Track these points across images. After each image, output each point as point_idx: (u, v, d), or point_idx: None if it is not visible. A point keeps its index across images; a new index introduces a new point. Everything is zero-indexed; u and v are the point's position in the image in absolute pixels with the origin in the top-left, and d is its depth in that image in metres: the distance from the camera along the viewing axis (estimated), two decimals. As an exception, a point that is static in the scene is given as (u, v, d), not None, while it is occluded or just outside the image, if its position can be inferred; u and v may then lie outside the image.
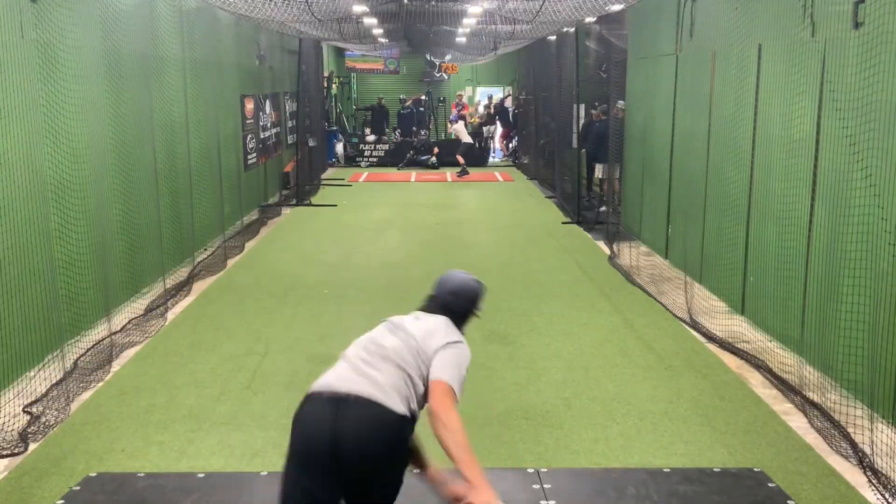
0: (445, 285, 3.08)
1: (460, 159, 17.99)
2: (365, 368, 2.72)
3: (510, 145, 21.72)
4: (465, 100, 22.92)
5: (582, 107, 13.22)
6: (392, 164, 19.84)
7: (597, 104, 13.04)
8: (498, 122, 21.87)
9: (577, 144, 13.30)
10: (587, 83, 13.39)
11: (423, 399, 2.74)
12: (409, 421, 2.67)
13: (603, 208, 11.40)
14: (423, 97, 21.90)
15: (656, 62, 9.51)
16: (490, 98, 23.15)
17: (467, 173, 17.76)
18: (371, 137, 20.63)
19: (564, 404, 5.16)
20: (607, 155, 11.13)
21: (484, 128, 21.59)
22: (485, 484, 2.52)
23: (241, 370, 5.78)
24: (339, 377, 2.72)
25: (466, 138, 19.14)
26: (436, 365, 2.74)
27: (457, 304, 3.03)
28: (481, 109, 22.90)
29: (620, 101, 10.94)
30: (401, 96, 22.17)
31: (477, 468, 2.54)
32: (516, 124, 21.02)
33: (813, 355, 5.37)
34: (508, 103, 22.54)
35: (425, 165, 19.56)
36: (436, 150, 19.67)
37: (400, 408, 2.63)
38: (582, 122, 13.30)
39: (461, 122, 19.78)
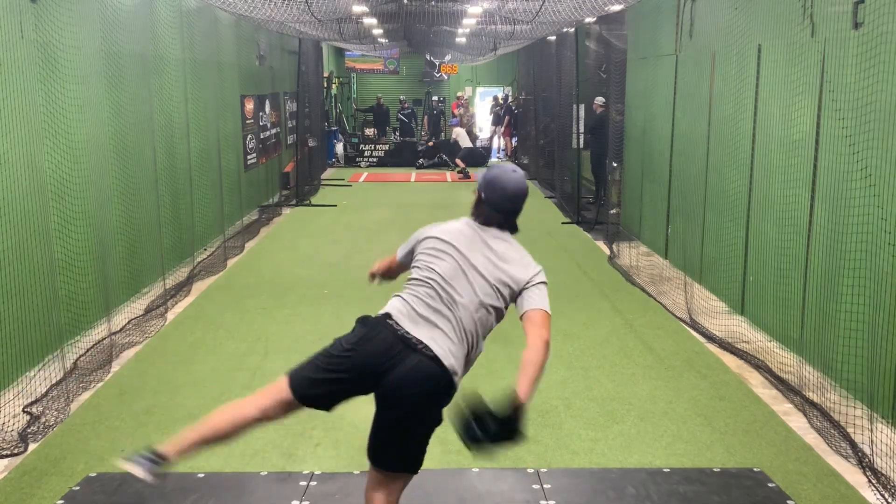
0: (501, 191, 2.94)
1: (460, 164, 17.97)
2: (436, 318, 2.77)
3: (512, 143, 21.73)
4: (465, 100, 22.92)
5: (582, 107, 13.22)
6: (392, 164, 19.85)
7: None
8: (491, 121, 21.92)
9: (583, 144, 13.20)
10: (587, 83, 13.39)
11: (496, 320, 2.89)
12: (456, 385, 2.77)
13: (614, 210, 11.35)
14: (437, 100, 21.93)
15: (656, 62, 9.51)
16: (495, 98, 23.13)
17: (468, 177, 17.75)
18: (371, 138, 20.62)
19: (564, 404, 5.16)
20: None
21: (492, 127, 21.60)
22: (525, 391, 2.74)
23: (241, 370, 5.78)
24: (412, 317, 2.78)
25: (467, 143, 19.13)
26: (531, 298, 2.84)
27: (515, 211, 2.98)
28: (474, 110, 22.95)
29: (599, 98, 10.90)
30: (401, 97, 22.20)
31: (529, 382, 2.79)
32: (516, 124, 21.02)
33: (813, 355, 5.37)
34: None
35: (444, 165, 19.42)
36: (431, 143, 19.67)
37: (456, 369, 2.74)
38: (583, 119, 13.24)
39: (460, 127, 19.80)
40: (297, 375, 2.86)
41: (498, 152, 21.93)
